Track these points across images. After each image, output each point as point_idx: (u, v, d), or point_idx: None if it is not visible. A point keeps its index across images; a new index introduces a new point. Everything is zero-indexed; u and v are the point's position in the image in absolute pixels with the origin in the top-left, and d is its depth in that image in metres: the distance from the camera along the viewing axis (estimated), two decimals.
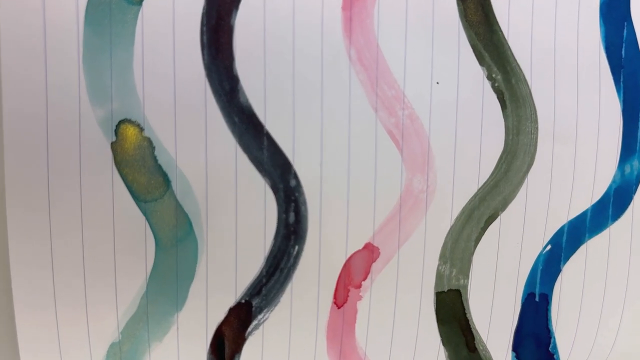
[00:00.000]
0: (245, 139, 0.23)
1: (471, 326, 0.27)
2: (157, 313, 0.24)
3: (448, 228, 0.26)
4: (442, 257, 0.26)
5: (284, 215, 0.24)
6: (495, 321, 0.27)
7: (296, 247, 0.25)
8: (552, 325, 0.28)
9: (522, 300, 0.27)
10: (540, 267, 0.27)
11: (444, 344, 0.27)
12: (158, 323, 0.24)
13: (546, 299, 0.28)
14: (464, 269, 0.26)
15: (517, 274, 0.27)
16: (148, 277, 0.24)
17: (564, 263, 0.28)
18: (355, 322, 0.26)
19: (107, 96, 0.22)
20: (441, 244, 0.26)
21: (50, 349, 0.24)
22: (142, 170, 0.23)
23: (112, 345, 0.24)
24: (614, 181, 0.28)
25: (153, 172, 0.23)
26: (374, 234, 0.25)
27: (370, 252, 0.25)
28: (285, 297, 0.25)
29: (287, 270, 0.25)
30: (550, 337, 0.28)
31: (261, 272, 0.24)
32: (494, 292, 0.27)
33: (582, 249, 0.28)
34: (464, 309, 0.27)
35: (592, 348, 0.29)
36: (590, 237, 0.28)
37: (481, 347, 0.28)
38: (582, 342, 0.29)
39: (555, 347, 0.28)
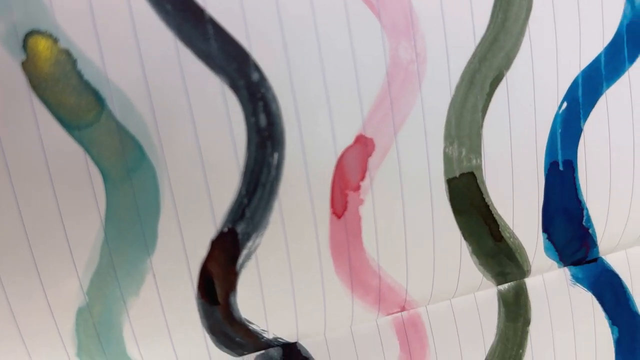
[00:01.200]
0: (184, 30, 0.19)
1: (493, 212, 0.23)
2: (124, 262, 0.20)
3: (449, 101, 0.22)
4: (448, 137, 0.22)
5: (253, 119, 0.20)
6: (519, 201, 0.24)
7: (275, 155, 0.20)
8: (582, 195, 0.25)
9: (545, 171, 0.24)
10: (559, 130, 0.23)
11: (465, 237, 0.23)
12: (129, 274, 0.20)
13: (571, 166, 0.24)
14: (475, 147, 0.22)
15: (535, 142, 0.23)
16: (104, 221, 0.19)
17: (584, 121, 0.24)
18: (360, 231, 0.22)
19: (4, 5, 0.18)
20: (444, 122, 0.22)
21: (8, 332, 0.20)
22: (67, 91, 0.18)
23: (80, 311, 0.20)
24: (624, 16, 0.24)
25: (80, 90, 0.18)
26: (363, 123, 0.21)
27: (363, 146, 0.21)
28: (274, 217, 0.21)
29: (270, 184, 0.21)
30: (582, 209, 0.25)
31: (240, 192, 0.20)
32: (513, 168, 0.23)
33: (602, 101, 0.24)
34: (481, 194, 0.23)
35: (629, 215, 0.26)
36: (608, 85, 0.24)
37: (508, 234, 0.24)
38: (617, 210, 0.25)
39: (589, 219, 0.25)
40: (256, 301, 0.22)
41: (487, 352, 0.26)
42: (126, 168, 0.19)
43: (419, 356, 0.25)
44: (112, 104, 0.19)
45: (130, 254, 0.20)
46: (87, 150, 0.19)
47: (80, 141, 0.19)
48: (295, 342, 0.24)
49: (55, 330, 0.20)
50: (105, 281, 0.20)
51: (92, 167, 0.19)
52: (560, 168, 0.24)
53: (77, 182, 0.19)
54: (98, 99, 0.19)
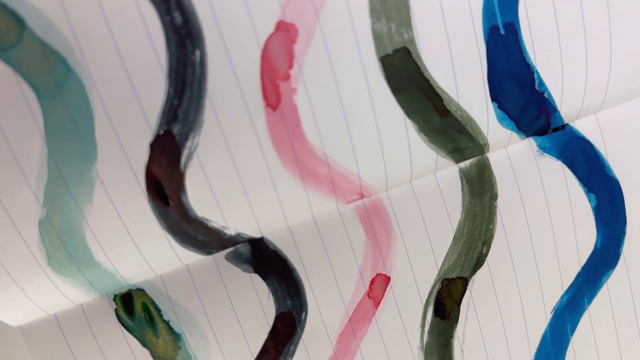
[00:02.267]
0: None
1: (434, 86, 0.23)
2: (72, 172, 0.21)
3: None
4: (374, 13, 0.22)
5: (168, 17, 0.20)
6: (460, 72, 0.23)
7: (197, 53, 0.21)
8: (530, 58, 0.24)
9: (485, 37, 0.23)
10: None
11: (409, 116, 0.23)
12: (78, 183, 0.21)
13: (513, 28, 0.23)
14: (404, 20, 0.22)
15: (470, 7, 0.22)
16: (44, 135, 0.21)
17: None
18: (299, 121, 0.22)
19: None
20: None
21: None
22: None
23: (42, 223, 0.22)
24: None
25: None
26: (282, 8, 0.21)
27: (285, 32, 0.21)
28: (208, 115, 0.22)
29: (198, 82, 0.21)
30: (532, 73, 0.24)
31: (168, 93, 0.21)
32: (449, 38, 0.23)
33: None
34: (419, 68, 0.23)
35: (587, 74, 0.25)
36: None
37: (454, 108, 0.24)
38: (572, 69, 0.24)
39: (542, 83, 0.24)
40: (208, 199, 0.23)
41: (454, 230, 0.27)
42: (56, 82, 0.20)
43: (385, 239, 0.26)
44: (32, 23, 0.20)
45: (76, 164, 0.21)
46: (16, 69, 0.20)
47: (8, 61, 0.20)
48: (262, 237, 0.25)
49: (22, 243, 0.22)
50: (58, 192, 0.21)
51: (24, 85, 0.20)
52: (502, 32, 0.23)
53: (12, 100, 0.20)
54: (18, 20, 0.20)
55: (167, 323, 0.25)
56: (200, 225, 0.23)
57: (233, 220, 0.24)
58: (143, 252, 0.23)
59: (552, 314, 0.29)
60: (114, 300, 0.25)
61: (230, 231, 0.24)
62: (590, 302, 0.29)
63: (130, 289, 0.25)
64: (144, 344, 0.25)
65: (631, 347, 0.30)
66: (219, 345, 0.26)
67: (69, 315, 0.24)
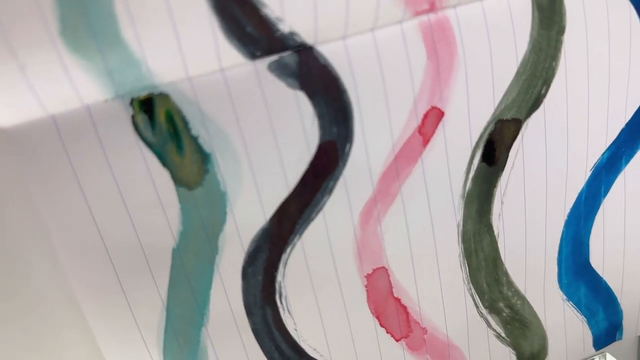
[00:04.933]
0: None
1: None
2: None
3: None
4: None
5: None
6: None
7: None
8: None
9: None
10: None
11: None
12: None
13: None
14: None
15: None
16: None
17: None
18: None
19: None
20: None
21: None
22: None
23: None
24: None
25: None
26: None
27: None
28: None
29: None
30: None
31: None
32: None
33: None
34: None
35: None
36: None
37: None
38: None
39: None
40: None
41: (519, 63, 0.24)
42: None
43: (447, 66, 0.23)
44: None
45: None
46: None
47: None
48: (312, 48, 0.21)
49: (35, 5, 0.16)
50: None
51: None
52: None
53: None
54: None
55: (195, 139, 0.21)
56: (253, 9, 0.19)
57: (291, 8, 0.20)
58: (180, 36, 0.19)
59: (591, 171, 0.28)
60: (131, 104, 0.20)
61: (284, 26, 0.20)
62: (627, 163, 0.28)
63: (152, 94, 0.20)
64: (165, 162, 0.21)
65: None
66: (252, 172, 0.22)
67: (73, 118, 0.19)
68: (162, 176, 0.21)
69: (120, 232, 0.21)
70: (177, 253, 0.22)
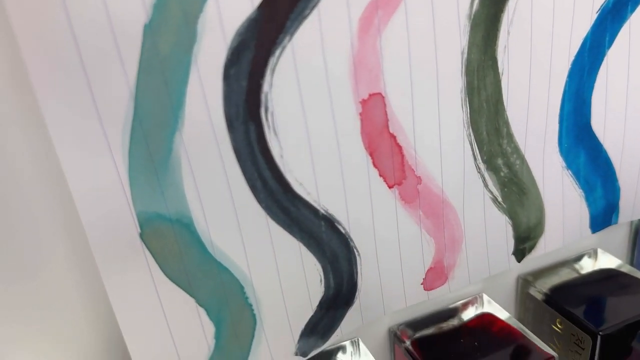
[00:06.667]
0: None
1: None
2: None
3: None
4: None
5: None
6: None
7: None
8: None
9: None
10: None
11: None
12: None
13: None
14: None
15: None
16: None
17: None
18: None
19: None
20: None
21: None
22: None
23: None
24: None
25: None
26: None
27: None
28: None
29: None
30: None
31: None
32: None
33: None
34: None
35: None
36: None
37: None
38: None
39: None
40: None
41: None
42: None
43: None
44: None
45: None
46: None
47: None
48: None
49: None
50: None
51: None
52: None
53: None
54: None
55: None
56: None
57: None
58: None
59: (597, 14, 0.26)
60: None
61: None
62: (632, 11, 0.27)
63: None
64: None
65: None
66: None
67: None
68: None
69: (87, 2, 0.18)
70: (148, 30, 0.19)
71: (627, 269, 0.32)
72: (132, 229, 0.20)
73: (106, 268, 0.20)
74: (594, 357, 0.28)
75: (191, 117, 0.20)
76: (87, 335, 0.23)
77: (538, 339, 0.28)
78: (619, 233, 0.35)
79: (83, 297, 0.22)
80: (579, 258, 0.34)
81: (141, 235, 0.20)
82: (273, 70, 0.21)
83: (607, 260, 0.33)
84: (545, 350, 0.27)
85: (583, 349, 0.29)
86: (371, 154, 0.24)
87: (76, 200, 0.19)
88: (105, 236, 0.20)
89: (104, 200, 0.20)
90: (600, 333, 0.28)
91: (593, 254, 0.34)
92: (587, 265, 0.34)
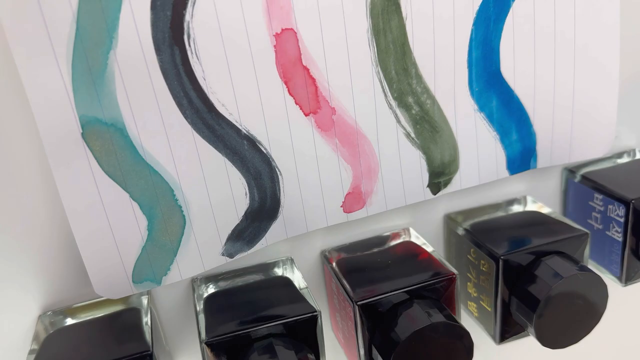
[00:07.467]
0: None
1: None
2: None
3: None
4: None
5: None
6: None
7: None
8: None
9: None
10: None
11: None
12: None
13: None
14: None
15: None
16: None
17: None
18: None
19: None
20: None
21: None
22: None
23: None
24: None
25: None
26: None
27: None
28: None
29: None
30: None
31: None
32: None
33: None
34: None
35: None
36: None
37: None
38: None
39: None
40: None
41: None
42: None
43: None
44: None
45: None
46: None
47: None
48: None
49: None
50: None
51: None
52: None
53: None
54: None
55: None
56: None
57: None
58: None
59: None
60: None
61: None
62: None
63: None
64: None
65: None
66: None
67: None
68: None
69: None
70: None
71: (555, 215, 0.35)
72: (75, 129, 0.25)
73: (55, 161, 0.25)
74: (498, 283, 0.32)
75: (124, 38, 0.25)
76: (42, 222, 0.28)
77: (448, 263, 0.31)
78: (551, 183, 0.38)
79: (44, 192, 0.27)
80: (509, 203, 0.37)
81: (83, 135, 0.25)
82: (194, 3, 0.25)
83: (537, 208, 0.36)
84: (450, 269, 0.31)
85: (489, 274, 0.32)
86: (286, 83, 0.28)
87: (32, 104, 0.24)
88: (54, 134, 0.25)
89: (53, 104, 0.24)
90: (502, 258, 0.31)
91: (523, 200, 0.37)
92: (515, 210, 0.37)
